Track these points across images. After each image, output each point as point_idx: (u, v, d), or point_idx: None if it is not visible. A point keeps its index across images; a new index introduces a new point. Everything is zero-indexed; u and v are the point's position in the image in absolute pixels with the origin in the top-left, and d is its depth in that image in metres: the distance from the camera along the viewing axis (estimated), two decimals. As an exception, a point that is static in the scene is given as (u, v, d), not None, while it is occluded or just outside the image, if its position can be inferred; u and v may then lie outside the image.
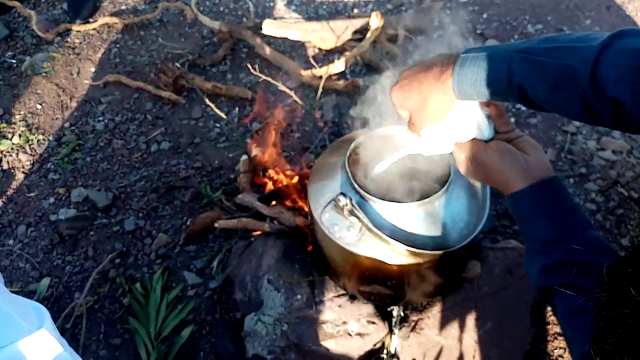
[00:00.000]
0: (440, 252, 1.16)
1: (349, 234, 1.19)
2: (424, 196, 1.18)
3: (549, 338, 1.51)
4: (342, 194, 1.17)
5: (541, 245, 0.85)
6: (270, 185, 1.76)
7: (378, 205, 1.18)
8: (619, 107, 0.70)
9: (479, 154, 0.91)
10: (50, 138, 2.22)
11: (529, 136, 0.95)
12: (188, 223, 1.86)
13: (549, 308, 1.50)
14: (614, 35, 0.71)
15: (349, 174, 1.20)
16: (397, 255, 1.18)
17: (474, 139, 0.92)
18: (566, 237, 0.83)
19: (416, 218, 1.18)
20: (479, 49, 0.83)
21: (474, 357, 1.39)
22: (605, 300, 0.43)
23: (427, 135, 0.94)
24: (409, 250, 1.14)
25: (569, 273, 0.83)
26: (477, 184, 1.29)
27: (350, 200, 1.16)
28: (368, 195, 1.18)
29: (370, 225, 1.15)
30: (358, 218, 1.16)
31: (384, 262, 1.19)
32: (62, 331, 1.59)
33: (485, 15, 2.63)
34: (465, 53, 0.83)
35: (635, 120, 0.70)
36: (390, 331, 1.42)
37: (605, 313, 0.42)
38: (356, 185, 1.19)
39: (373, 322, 1.39)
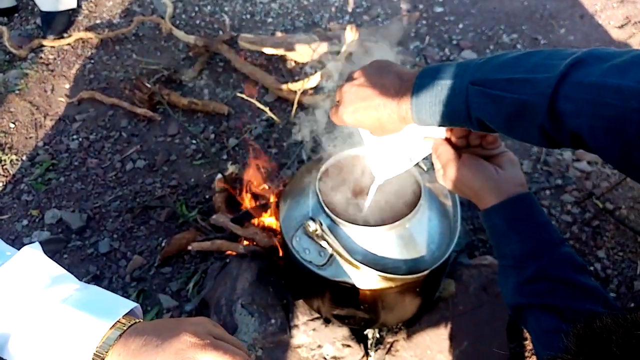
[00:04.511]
0: (412, 276, 1.15)
1: (320, 259, 1.18)
2: (394, 219, 1.17)
3: (526, 354, 1.51)
4: (312, 218, 1.16)
5: (514, 261, 0.86)
6: (246, 204, 1.74)
7: (349, 229, 1.17)
8: (578, 139, 0.70)
9: (452, 170, 0.91)
10: (24, 158, 2.18)
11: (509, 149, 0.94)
12: (163, 244, 1.83)
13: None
14: (571, 64, 0.69)
15: (320, 197, 1.19)
16: (369, 279, 1.17)
17: (449, 157, 0.92)
18: (539, 252, 0.84)
19: (387, 241, 1.17)
20: (434, 72, 0.79)
21: (450, 376, 1.38)
22: None
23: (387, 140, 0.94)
24: (381, 275, 1.13)
25: (543, 290, 0.83)
26: (449, 204, 1.29)
27: (320, 225, 1.15)
28: (338, 219, 1.17)
29: (341, 250, 1.14)
30: (328, 243, 1.15)
31: (357, 287, 1.18)
32: None
33: (461, 26, 2.63)
34: (419, 78, 0.80)
35: (594, 150, 0.70)
36: (366, 354, 1.41)
37: None
38: (326, 209, 1.18)
39: (348, 345, 1.38)
